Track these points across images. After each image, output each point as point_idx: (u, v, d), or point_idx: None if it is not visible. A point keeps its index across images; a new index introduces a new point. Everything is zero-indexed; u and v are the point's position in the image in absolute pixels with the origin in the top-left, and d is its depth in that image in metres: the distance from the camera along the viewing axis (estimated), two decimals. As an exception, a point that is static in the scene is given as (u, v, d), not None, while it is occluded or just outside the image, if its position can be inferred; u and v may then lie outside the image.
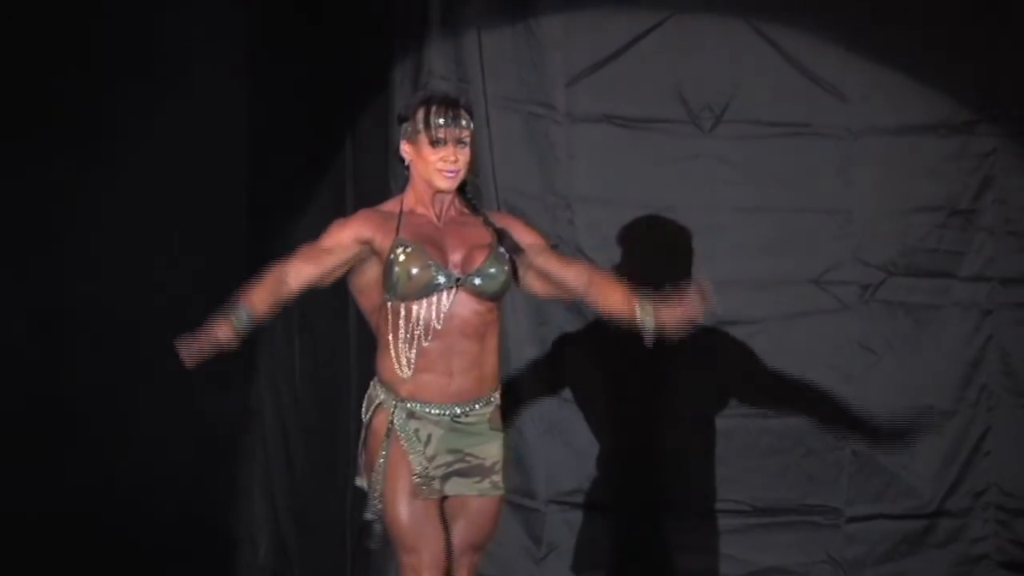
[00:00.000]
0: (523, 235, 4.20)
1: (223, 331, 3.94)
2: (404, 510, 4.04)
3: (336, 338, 5.76)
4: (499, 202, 5.67)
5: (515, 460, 5.70)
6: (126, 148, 5.56)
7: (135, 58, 5.61)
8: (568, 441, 5.78)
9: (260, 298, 3.99)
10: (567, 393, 5.79)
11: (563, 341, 5.79)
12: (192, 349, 3.94)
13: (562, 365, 5.79)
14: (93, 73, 5.58)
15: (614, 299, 4.19)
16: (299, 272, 4.02)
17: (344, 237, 4.05)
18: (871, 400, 5.78)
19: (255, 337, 6.00)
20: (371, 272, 4.07)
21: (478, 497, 4.10)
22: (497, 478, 4.12)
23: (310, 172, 5.93)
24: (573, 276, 4.20)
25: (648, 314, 4.15)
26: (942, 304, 5.79)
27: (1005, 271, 5.78)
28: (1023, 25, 5.73)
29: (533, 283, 4.23)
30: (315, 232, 4.12)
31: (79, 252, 5.63)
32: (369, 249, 4.04)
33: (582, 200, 5.76)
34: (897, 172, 5.77)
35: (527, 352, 5.76)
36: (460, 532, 4.11)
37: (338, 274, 4.07)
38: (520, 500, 5.74)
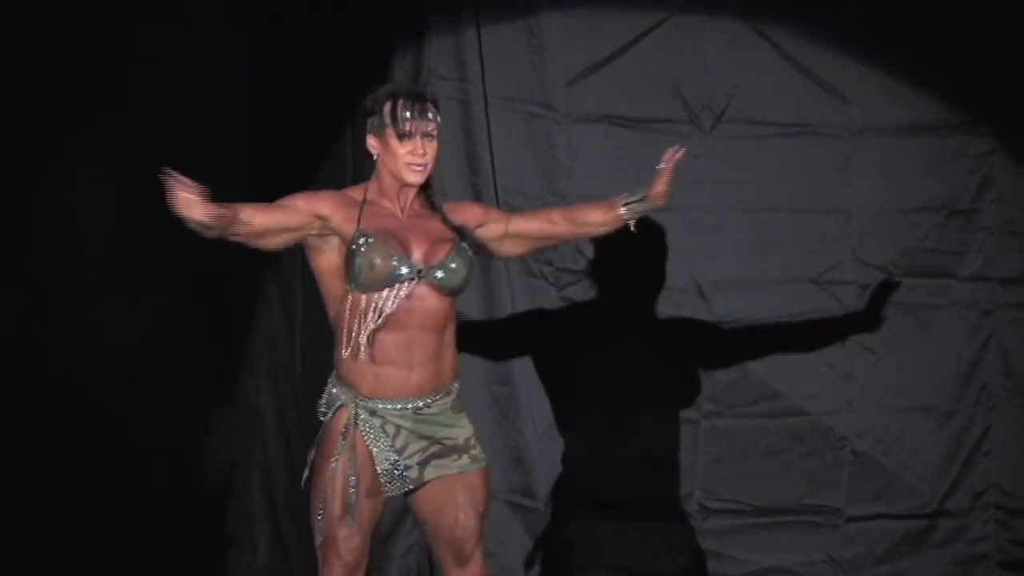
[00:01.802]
0: (483, 214, 4.25)
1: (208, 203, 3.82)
2: (339, 509, 4.05)
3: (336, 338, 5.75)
4: (499, 202, 5.67)
5: (515, 460, 5.71)
6: (122, 138, 5.55)
7: (133, 47, 5.61)
8: (567, 441, 5.78)
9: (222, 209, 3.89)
10: (568, 393, 5.79)
11: (563, 341, 5.79)
12: (180, 179, 3.81)
13: (561, 365, 5.79)
14: (91, 59, 5.57)
15: (594, 216, 4.34)
16: (251, 215, 3.95)
17: (300, 202, 4.04)
18: (871, 400, 5.78)
19: (253, 336, 6.08)
20: (331, 256, 4.07)
21: (460, 474, 4.11)
22: (475, 451, 4.14)
23: (310, 171, 5.93)
24: (549, 221, 4.31)
25: (636, 207, 4.32)
26: (942, 304, 5.80)
27: (1005, 271, 5.79)
28: (1022, 25, 5.73)
29: (512, 248, 4.29)
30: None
31: (73, 244, 5.62)
32: (323, 226, 4.03)
33: (582, 200, 5.73)
34: (897, 172, 5.78)
35: (525, 352, 5.76)
36: (458, 516, 4.11)
37: (285, 239, 4.02)
38: (520, 500, 5.74)
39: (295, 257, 5.92)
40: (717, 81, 5.72)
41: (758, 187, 5.76)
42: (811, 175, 5.77)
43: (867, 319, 5.77)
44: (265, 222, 3.98)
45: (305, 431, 5.93)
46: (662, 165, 4.35)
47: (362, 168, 5.76)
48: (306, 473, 4.16)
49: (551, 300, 5.76)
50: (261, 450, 6.10)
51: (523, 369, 5.76)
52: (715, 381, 5.76)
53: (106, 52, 5.59)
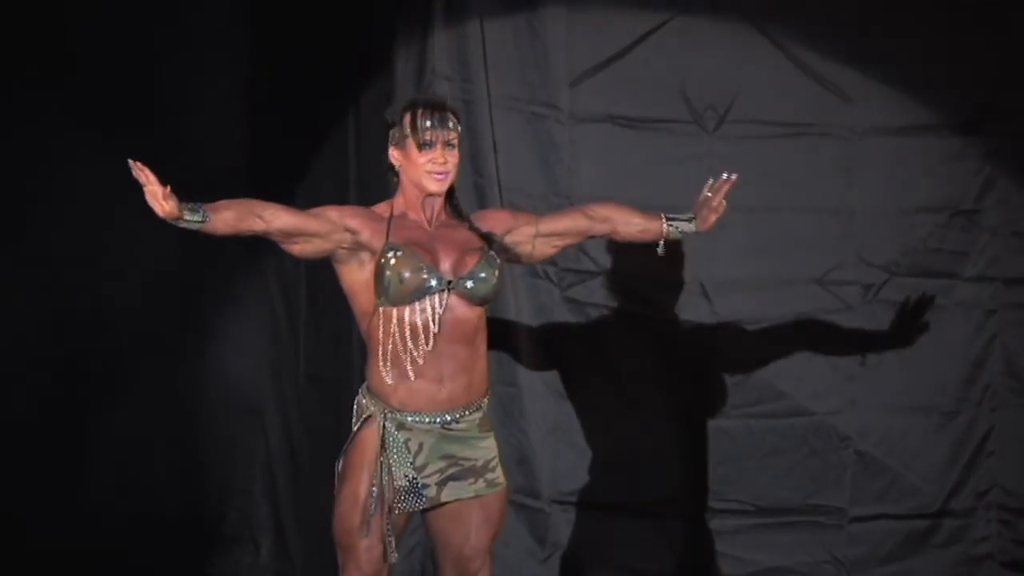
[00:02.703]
0: (511, 219, 4.24)
1: (171, 200, 3.79)
2: (359, 518, 4.04)
3: (339, 339, 5.76)
4: (502, 202, 5.67)
5: (519, 460, 5.71)
6: (122, 131, 5.56)
7: (135, 47, 5.61)
8: (571, 441, 5.78)
9: (225, 213, 3.88)
10: (568, 393, 5.78)
11: (565, 341, 5.79)
12: (145, 173, 3.78)
13: (565, 365, 5.79)
14: (93, 48, 5.57)
15: (636, 221, 4.31)
16: (276, 212, 3.95)
17: (332, 213, 4.03)
18: (874, 400, 5.78)
19: (256, 337, 6.07)
20: (360, 273, 4.05)
21: (476, 498, 4.10)
22: (492, 475, 4.12)
23: (314, 171, 5.94)
24: (587, 216, 4.30)
25: (681, 226, 4.30)
26: (945, 304, 5.79)
27: (1008, 271, 5.78)
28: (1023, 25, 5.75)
29: (545, 249, 4.27)
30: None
31: (72, 237, 5.62)
32: (353, 240, 4.02)
33: (585, 200, 5.74)
34: (900, 172, 5.78)
35: (529, 352, 5.76)
36: (468, 535, 4.10)
37: (316, 247, 4.01)
38: (524, 500, 5.74)
39: (299, 259, 5.92)
40: (721, 81, 5.72)
41: (761, 187, 5.75)
42: (815, 175, 5.77)
43: (870, 319, 5.78)
44: (290, 223, 3.98)
45: (307, 432, 5.94)
46: (708, 193, 4.33)
47: (366, 169, 5.80)
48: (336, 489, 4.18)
49: (555, 300, 5.76)
50: (263, 451, 6.10)
51: (526, 370, 5.75)
52: (718, 381, 5.76)
53: (114, 47, 5.59)
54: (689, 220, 4.33)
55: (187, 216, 3.83)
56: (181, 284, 5.69)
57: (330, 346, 5.84)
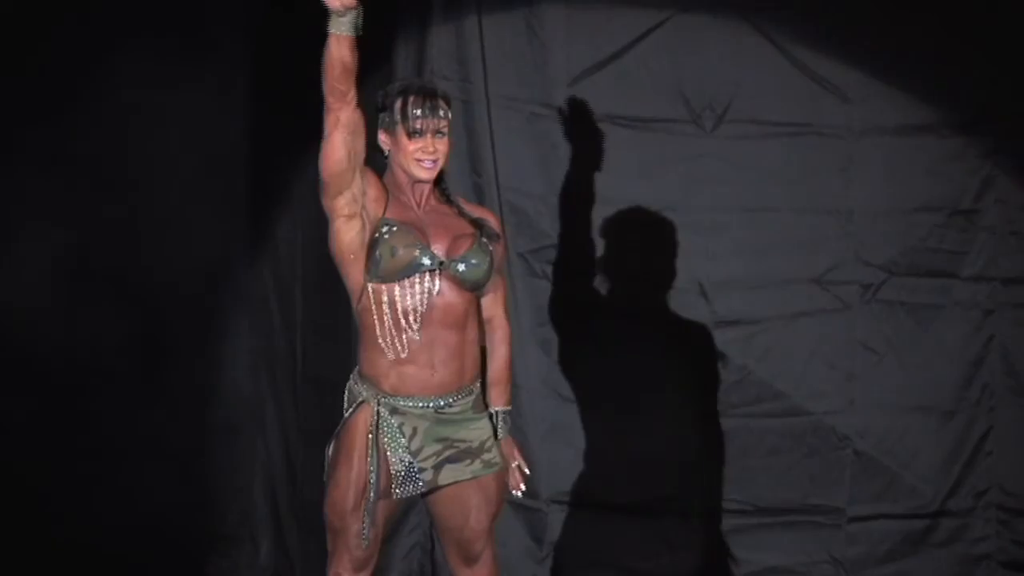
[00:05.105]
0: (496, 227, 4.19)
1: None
2: (351, 502, 4.04)
3: (336, 339, 5.76)
4: (500, 201, 5.68)
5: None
6: (125, 121, 5.56)
7: (134, 47, 5.62)
8: (569, 441, 5.79)
9: (349, 54, 3.79)
10: (568, 393, 5.79)
11: (564, 341, 5.79)
12: None
13: (564, 365, 5.79)
14: (94, 27, 5.57)
15: (495, 355, 4.27)
16: (355, 105, 3.88)
17: (369, 174, 3.99)
18: (873, 400, 5.78)
19: (254, 337, 6.08)
20: (355, 238, 3.98)
21: (474, 479, 4.11)
22: (489, 456, 4.14)
23: (310, 167, 5.92)
24: (485, 305, 4.23)
25: (499, 418, 4.22)
26: (943, 304, 5.80)
27: (1006, 271, 5.79)
28: (1023, 25, 5.73)
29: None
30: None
31: (72, 238, 5.62)
32: (361, 192, 3.96)
33: (585, 201, 5.75)
34: (898, 172, 5.78)
35: (528, 352, 5.76)
36: (469, 517, 4.12)
37: (352, 166, 3.91)
38: (522, 500, 5.73)
39: (295, 258, 5.94)
40: (719, 81, 5.72)
41: (760, 187, 5.76)
42: (813, 175, 5.77)
43: (869, 319, 5.78)
44: (358, 120, 3.89)
45: (305, 432, 5.95)
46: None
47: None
48: (326, 476, 4.17)
49: (554, 300, 5.76)
50: (263, 450, 6.10)
51: (525, 369, 5.75)
52: (717, 381, 5.76)
53: (114, 46, 5.60)
54: (499, 421, 4.22)
55: (350, 17, 3.75)
56: (180, 286, 5.69)
57: (327, 346, 5.84)
